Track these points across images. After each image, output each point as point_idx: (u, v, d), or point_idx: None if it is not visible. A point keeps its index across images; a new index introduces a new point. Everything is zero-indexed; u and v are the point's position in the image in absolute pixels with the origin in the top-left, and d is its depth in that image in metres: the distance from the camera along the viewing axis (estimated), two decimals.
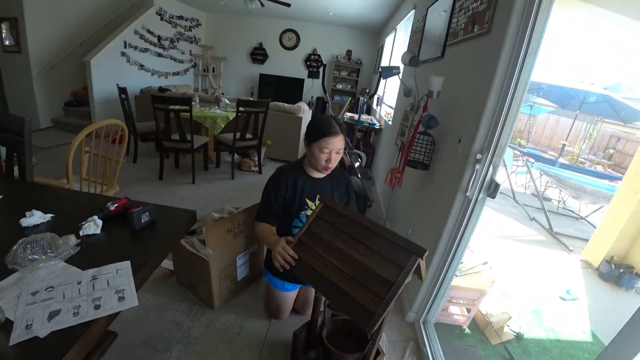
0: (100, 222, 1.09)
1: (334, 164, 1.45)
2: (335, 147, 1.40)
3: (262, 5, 4.86)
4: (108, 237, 1.08)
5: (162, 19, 6.00)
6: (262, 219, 1.52)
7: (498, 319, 2.01)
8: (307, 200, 1.51)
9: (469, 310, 2.03)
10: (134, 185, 3.18)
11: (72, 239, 0.99)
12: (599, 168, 6.51)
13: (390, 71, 2.38)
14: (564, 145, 7.74)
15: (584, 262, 3.16)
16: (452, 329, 2.02)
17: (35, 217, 1.09)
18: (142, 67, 5.64)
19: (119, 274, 0.89)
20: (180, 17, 6.58)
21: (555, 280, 2.83)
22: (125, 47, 5.17)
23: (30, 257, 0.92)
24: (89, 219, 1.09)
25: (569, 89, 5.78)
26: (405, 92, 2.44)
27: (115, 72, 5.03)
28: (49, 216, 1.12)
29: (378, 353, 1.28)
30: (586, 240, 3.47)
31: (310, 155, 1.45)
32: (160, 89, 4.70)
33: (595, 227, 3.74)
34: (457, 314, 2.08)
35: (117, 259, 0.94)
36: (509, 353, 1.91)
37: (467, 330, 2.02)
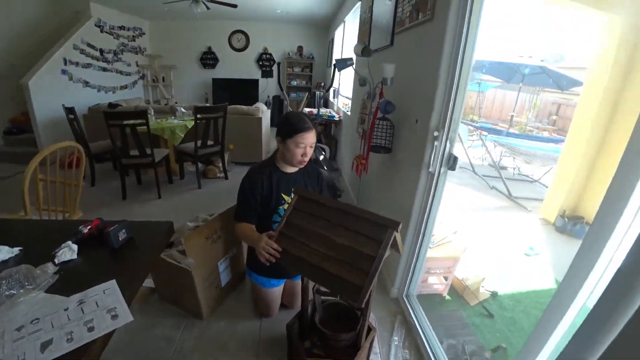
0: (75, 247, 1.06)
1: (307, 157, 1.50)
2: (309, 142, 1.47)
3: (208, 8, 4.76)
4: (86, 260, 1.06)
5: (102, 31, 5.68)
6: (242, 219, 1.54)
7: (473, 281, 2.17)
8: (284, 196, 1.55)
9: (446, 278, 2.17)
10: (97, 208, 3.04)
11: (50, 267, 0.96)
12: (545, 134, 7.06)
13: (344, 63, 2.45)
14: (512, 116, 8.30)
15: (541, 220, 3.45)
16: (434, 298, 2.15)
17: (3, 253, 1.04)
18: (86, 84, 5.32)
19: (107, 294, 0.88)
20: (122, 28, 6.26)
21: (519, 239, 3.08)
22: (65, 64, 4.85)
23: (7, 292, 0.88)
24: (63, 245, 1.06)
25: (510, 64, 6.20)
26: (360, 81, 2.52)
27: (58, 92, 4.71)
28: (16, 250, 1.08)
29: (369, 329, 1.36)
30: (541, 200, 3.78)
31: (286, 150, 1.49)
32: (110, 105, 4.47)
33: (547, 187, 4.08)
34: (436, 283, 2.21)
35: (100, 280, 0.93)
36: (487, 310, 2.07)
37: (447, 297, 2.17)
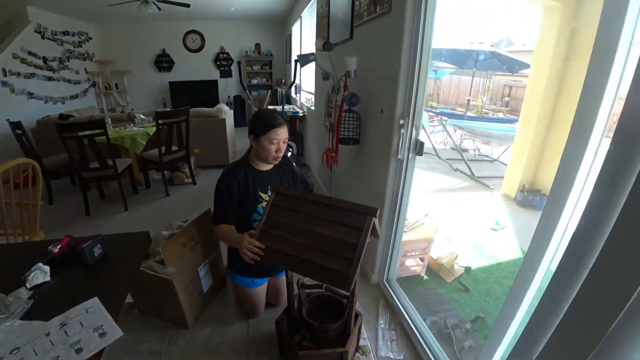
0: (47, 268, 1.01)
1: (281, 153, 1.52)
2: (282, 137, 1.48)
3: (159, 9, 4.56)
4: (61, 281, 1.01)
5: (43, 37, 5.26)
6: (220, 221, 1.53)
7: (448, 259, 2.29)
8: (261, 194, 1.56)
9: (422, 259, 2.27)
10: (60, 228, 2.86)
11: (23, 293, 0.91)
12: (500, 115, 7.49)
13: (307, 59, 2.46)
14: (469, 100, 8.71)
15: (503, 196, 3.69)
16: (413, 279, 2.25)
17: None
18: (31, 95, 4.93)
19: (90, 312, 0.86)
20: (66, 33, 5.83)
21: (485, 215, 3.27)
22: (5, 75, 4.46)
23: None
24: (33, 267, 1.00)
25: (463, 51, 6.49)
26: (323, 76, 2.54)
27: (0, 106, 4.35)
28: None
29: (357, 316, 1.40)
30: (502, 177, 4.03)
31: (260, 148, 1.49)
32: (62, 117, 4.18)
33: (506, 165, 4.35)
34: (413, 265, 2.31)
35: (79, 300, 0.90)
36: (463, 285, 2.20)
37: (425, 277, 2.27)
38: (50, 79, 5.39)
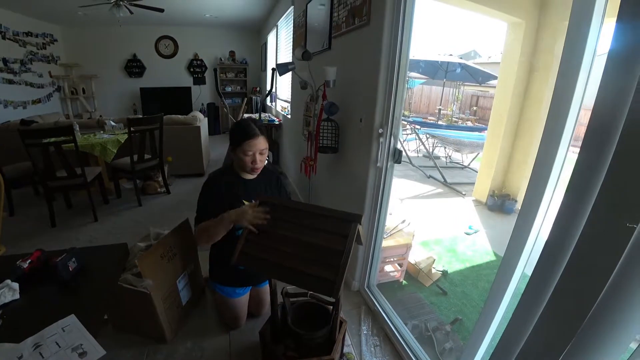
0: (16, 285, 0.95)
1: (260, 164, 1.50)
2: (257, 148, 1.46)
3: (131, 12, 4.44)
4: (32, 299, 0.95)
5: (4, 38, 4.96)
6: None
7: (425, 264, 2.35)
8: (245, 202, 1.52)
9: (401, 265, 2.32)
10: (23, 241, 2.67)
11: None
12: (469, 123, 7.83)
13: (285, 68, 2.47)
14: (439, 109, 9.06)
15: (475, 201, 3.85)
16: (392, 285, 2.28)
17: None
18: None
19: (67, 330, 0.81)
20: (29, 34, 5.53)
21: (459, 220, 3.39)
22: None
23: None
24: (0, 285, 0.94)
25: (435, 62, 6.77)
26: (301, 85, 2.55)
27: None
28: None
29: (341, 323, 1.41)
30: (473, 183, 4.21)
31: (237, 159, 1.48)
32: (24, 122, 3.94)
33: (477, 172, 4.55)
34: (392, 270, 2.35)
35: (54, 318, 0.85)
36: (441, 288, 2.26)
37: (404, 282, 2.32)
38: (10, 82, 5.09)
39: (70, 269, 1.02)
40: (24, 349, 0.77)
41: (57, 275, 0.98)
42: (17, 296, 0.94)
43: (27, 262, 1.03)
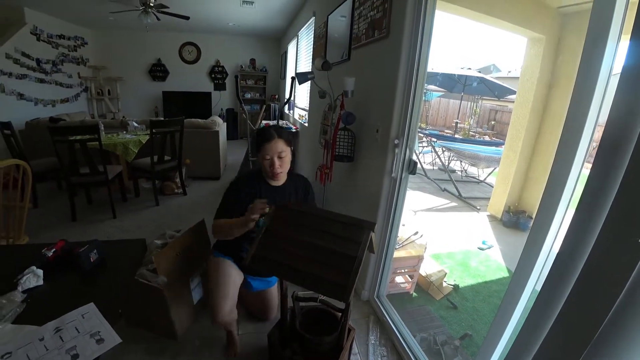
0: (40, 272, 1.00)
1: (279, 168, 1.46)
2: (274, 152, 1.43)
3: (158, 19, 4.62)
4: (54, 285, 1.00)
5: (39, 39, 5.23)
6: (222, 216, 1.49)
7: (436, 277, 2.32)
8: None
9: (411, 277, 2.30)
10: (45, 232, 2.78)
11: (17, 296, 0.90)
12: (486, 138, 7.73)
13: (305, 77, 2.51)
14: (456, 123, 8.98)
15: (490, 217, 3.78)
16: (402, 297, 2.26)
17: None
18: (21, 96, 4.86)
19: (86, 318, 0.85)
20: (62, 36, 5.81)
21: (472, 235, 3.34)
22: None
23: None
24: (26, 271, 0.99)
25: (452, 75, 6.75)
26: (320, 94, 2.59)
27: None
28: None
29: (349, 330, 1.41)
30: (488, 198, 4.14)
31: (261, 165, 1.50)
32: (52, 120, 4.12)
33: (492, 187, 4.48)
34: (403, 282, 2.33)
35: (74, 305, 0.89)
36: (452, 302, 2.23)
37: (414, 294, 2.29)
38: (42, 81, 5.34)
39: (92, 260, 1.06)
40: (45, 332, 0.80)
41: (79, 265, 1.03)
42: (41, 282, 0.98)
43: (52, 251, 1.08)
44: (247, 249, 1.48)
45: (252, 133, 3.88)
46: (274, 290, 1.81)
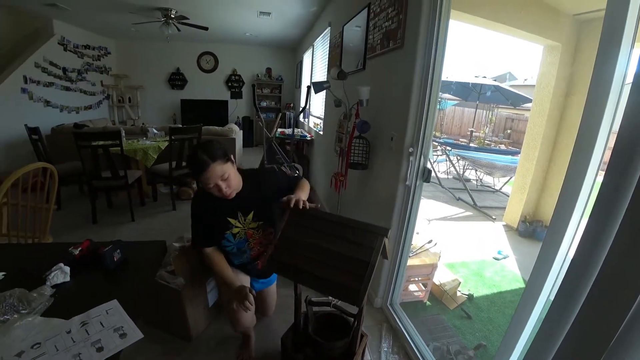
0: (67, 269, 1.05)
1: (228, 189, 1.34)
2: (213, 179, 1.29)
3: (179, 30, 4.78)
4: (80, 282, 1.04)
5: (65, 49, 5.49)
6: (198, 245, 1.49)
7: (450, 286, 2.29)
8: (230, 220, 1.46)
9: (425, 285, 2.28)
10: (67, 233, 2.89)
11: (47, 290, 0.94)
12: (502, 146, 7.61)
13: (321, 86, 2.56)
14: (472, 131, 8.87)
15: (505, 226, 3.72)
16: (415, 305, 2.24)
17: None
18: (48, 103, 5.09)
19: (110, 313, 0.89)
20: (87, 47, 6.09)
21: (488, 244, 3.29)
22: (26, 82, 4.63)
23: (1, 318, 0.86)
24: (54, 267, 1.04)
25: (466, 83, 6.71)
26: (336, 102, 2.63)
27: (16, 111, 4.49)
28: (0, 275, 1.05)
29: (362, 336, 1.41)
30: (504, 208, 4.07)
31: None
32: (76, 126, 4.30)
33: (508, 196, 4.40)
34: (416, 290, 2.31)
35: (98, 302, 0.93)
36: (466, 312, 2.20)
37: (428, 303, 2.27)
38: (67, 89, 5.58)
39: (115, 259, 1.10)
40: (72, 325, 0.85)
41: (103, 264, 1.07)
42: (68, 278, 1.03)
43: (78, 249, 1.13)
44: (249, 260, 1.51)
45: (268, 141, 3.94)
46: (273, 288, 1.84)
